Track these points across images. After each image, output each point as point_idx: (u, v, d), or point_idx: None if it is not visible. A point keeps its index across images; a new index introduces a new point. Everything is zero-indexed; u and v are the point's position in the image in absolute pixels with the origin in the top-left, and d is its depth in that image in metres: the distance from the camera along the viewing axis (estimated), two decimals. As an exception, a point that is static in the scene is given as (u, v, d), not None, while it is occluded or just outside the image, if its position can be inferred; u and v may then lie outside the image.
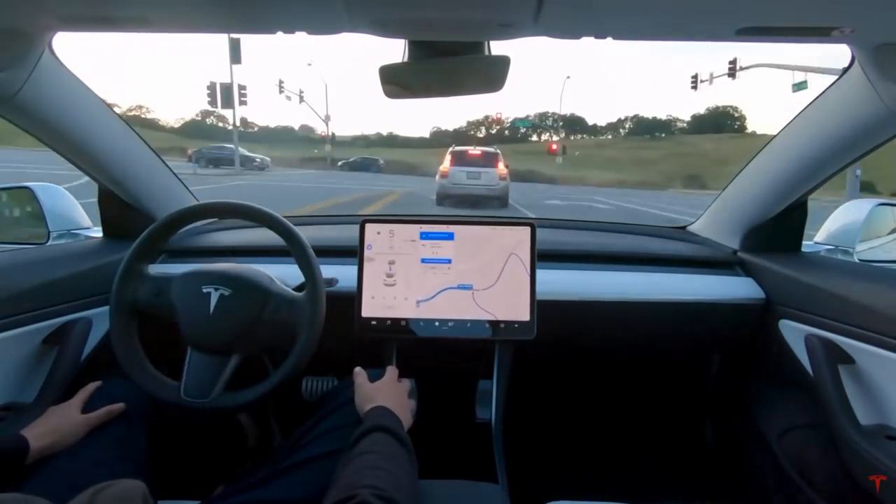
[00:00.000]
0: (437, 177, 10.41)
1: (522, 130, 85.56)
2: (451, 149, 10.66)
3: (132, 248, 0.88)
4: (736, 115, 79.54)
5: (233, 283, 0.86)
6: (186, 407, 0.82)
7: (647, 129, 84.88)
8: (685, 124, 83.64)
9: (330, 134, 37.53)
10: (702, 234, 1.34)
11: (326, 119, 34.23)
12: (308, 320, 0.84)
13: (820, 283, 0.95)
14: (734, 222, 1.20)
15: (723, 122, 76.01)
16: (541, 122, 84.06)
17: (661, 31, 0.68)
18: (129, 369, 0.83)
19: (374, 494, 0.53)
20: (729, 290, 1.12)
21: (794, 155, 0.99)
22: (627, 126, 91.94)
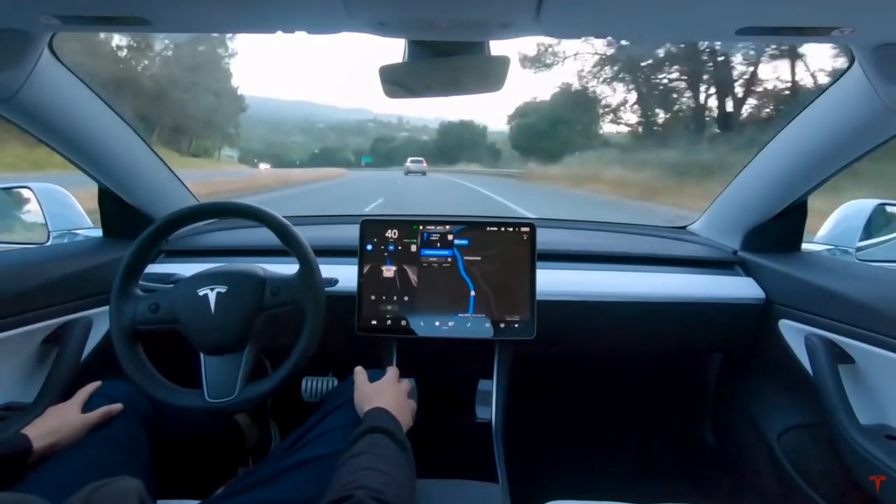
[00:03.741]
0: None
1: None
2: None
3: (123, 265, 0.86)
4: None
5: (227, 280, 0.86)
6: (215, 409, 0.82)
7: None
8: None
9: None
10: (702, 233, 1.34)
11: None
12: (310, 293, 0.84)
13: (820, 283, 0.95)
14: (734, 222, 1.20)
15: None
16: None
17: (662, 31, 0.68)
18: (148, 389, 0.82)
19: (371, 497, 0.53)
20: (729, 289, 1.12)
21: (794, 155, 0.99)
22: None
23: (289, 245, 0.87)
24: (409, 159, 26.15)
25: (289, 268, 0.90)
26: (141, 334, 0.85)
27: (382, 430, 0.68)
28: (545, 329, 1.01)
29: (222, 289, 0.84)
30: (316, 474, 0.71)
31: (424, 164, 25.40)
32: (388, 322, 1.02)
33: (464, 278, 1.02)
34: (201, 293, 0.84)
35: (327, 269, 0.92)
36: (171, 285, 0.90)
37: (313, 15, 0.63)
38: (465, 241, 1.03)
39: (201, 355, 0.85)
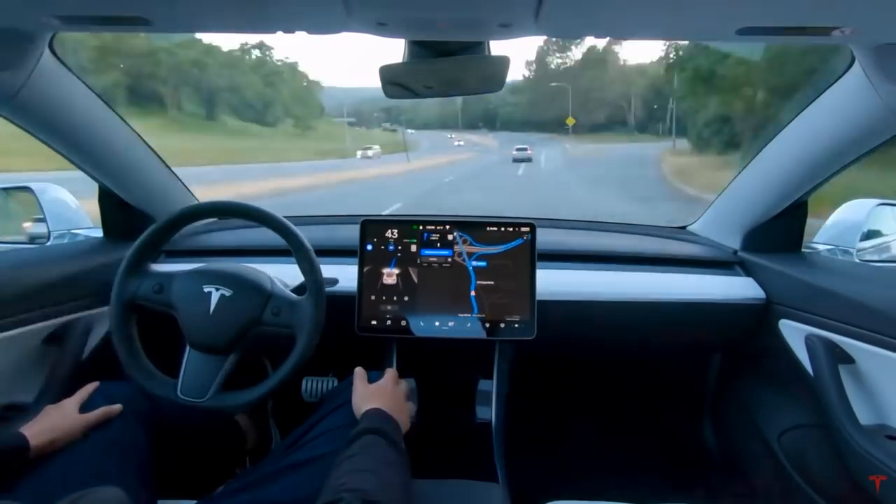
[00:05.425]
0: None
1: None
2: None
3: (135, 245, 0.88)
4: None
5: (234, 284, 0.86)
6: (182, 405, 0.83)
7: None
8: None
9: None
10: (702, 233, 1.34)
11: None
12: (308, 323, 0.84)
13: (820, 283, 0.95)
14: (734, 222, 1.20)
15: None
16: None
17: (662, 31, 0.68)
18: (125, 363, 0.83)
19: (360, 499, 0.53)
20: (729, 290, 1.12)
21: (794, 155, 0.99)
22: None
23: (291, 245, 0.87)
24: (515, 147, 27.08)
25: (290, 268, 0.90)
26: (138, 308, 0.86)
27: (376, 431, 0.68)
28: (545, 329, 1.01)
29: (227, 292, 0.85)
30: (314, 474, 0.71)
31: (529, 151, 25.79)
32: (388, 322, 1.02)
33: (463, 278, 1.02)
34: (206, 290, 0.85)
35: (327, 269, 0.92)
36: (182, 271, 0.90)
37: (313, 15, 0.63)
38: (464, 241, 1.03)
39: (187, 347, 0.86)
